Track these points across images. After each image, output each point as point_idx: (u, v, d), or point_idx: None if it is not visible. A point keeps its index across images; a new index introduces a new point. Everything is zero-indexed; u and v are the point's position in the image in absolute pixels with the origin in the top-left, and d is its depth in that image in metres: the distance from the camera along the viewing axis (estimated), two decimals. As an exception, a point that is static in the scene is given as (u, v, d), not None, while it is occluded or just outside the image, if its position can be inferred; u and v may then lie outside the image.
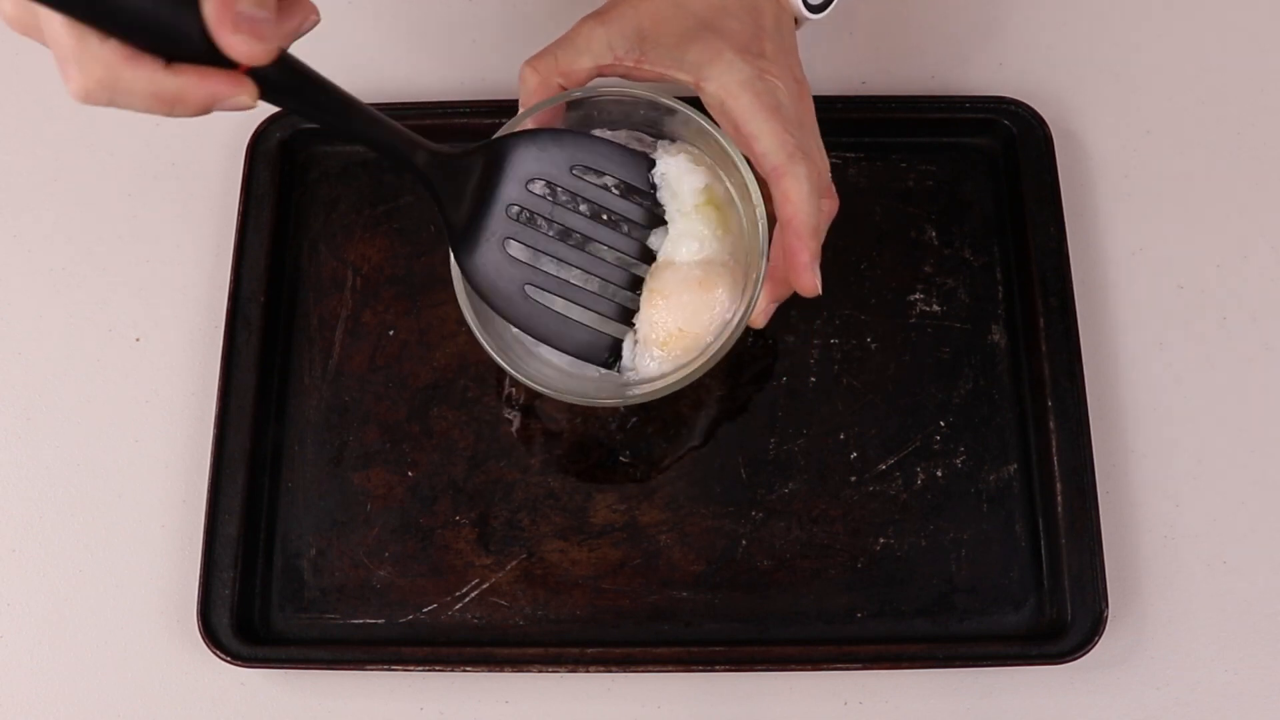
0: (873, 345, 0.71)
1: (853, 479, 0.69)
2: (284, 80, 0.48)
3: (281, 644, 0.67)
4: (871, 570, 0.68)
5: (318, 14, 0.48)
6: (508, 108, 0.75)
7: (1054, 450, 0.68)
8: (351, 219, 0.75)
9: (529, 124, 0.59)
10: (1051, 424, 0.68)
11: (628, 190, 0.61)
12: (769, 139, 0.56)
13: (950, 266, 0.73)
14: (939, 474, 0.69)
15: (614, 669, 0.66)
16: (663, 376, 0.60)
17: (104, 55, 0.44)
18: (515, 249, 0.59)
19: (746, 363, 0.71)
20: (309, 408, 0.71)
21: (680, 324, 0.61)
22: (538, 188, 0.60)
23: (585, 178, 0.60)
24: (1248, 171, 0.76)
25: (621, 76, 0.59)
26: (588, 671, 0.66)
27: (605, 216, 0.61)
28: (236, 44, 0.44)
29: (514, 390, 0.71)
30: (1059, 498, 0.67)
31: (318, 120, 0.53)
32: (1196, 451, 0.70)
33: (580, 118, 0.62)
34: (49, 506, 0.71)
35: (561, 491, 0.69)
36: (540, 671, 0.66)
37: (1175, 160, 0.76)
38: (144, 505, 0.70)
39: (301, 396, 0.72)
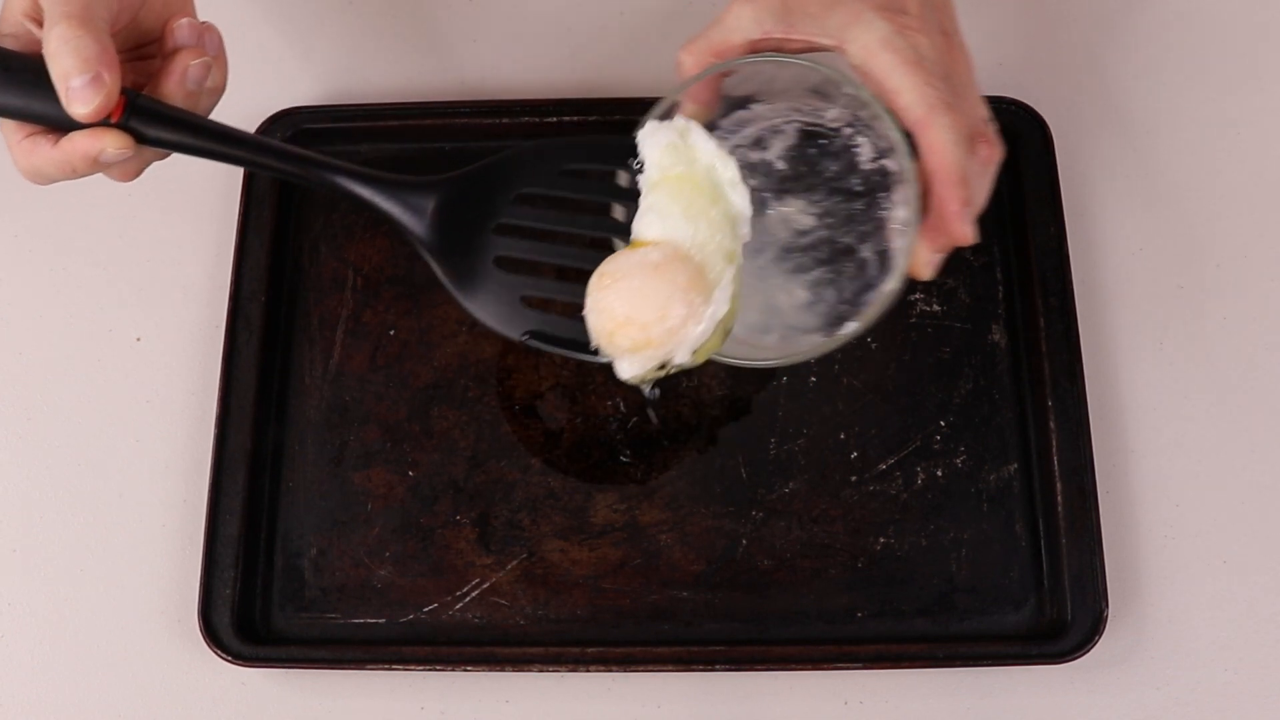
0: (873, 345, 0.71)
1: (853, 479, 0.69)
2: (148, 129, 0.57)
3: (282, 643, 0.67)
4: (872, 570, 0.68)
5: (201, 57, 0.59)
6: (508, 108, 0.76)
7: (1054, 450, 0.68)
8: (352, 219, 0.75)
9: (686, 104, 0.59)
10: (1051, 424, 0.68)
11: (611, 177, 0.59)
12: (910, 93, 0.56)
13: (950, 266, 0.73)
14: (939, 474, 0.69)
15: (614, 669, 0.66)
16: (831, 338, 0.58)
17: (22, 146, 0.57)
18: (507, 265, 0.59)
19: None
20: (309, 407, 0.71)
21: (628, 311, 0.54)
22: (523, 201, 0.59)
23: (570, 178, 0.60)
24: (1248, 171, 0.76)
25: (772, 50, 0.59)
26: (588, 671, 0.66)
27: (592, 209, 0.60)
28: (76, 110, 0.54)
29: (515, 389, 0.71)
30: (1059, 498, 0.67)
31: (215, 157, 0.59)
32: (1196, 451, 0.70)
33: (738, 98, 0.61)
34: (49, 506, 0.71)
35: (562, 491, 0.69)
36: (541, 671, 0.66)
37: (1175, 160, 0.76)
38: (145, 505, 0.70)
39: (302, 396, 0.72)
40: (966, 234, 0.56)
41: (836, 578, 0.68)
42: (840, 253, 0.62)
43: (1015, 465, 0.69)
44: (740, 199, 0.58)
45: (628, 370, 0.56)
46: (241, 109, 0.75)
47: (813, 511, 0.69)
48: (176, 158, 0.77)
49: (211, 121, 0.59)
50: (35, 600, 0.69)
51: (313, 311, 0.73)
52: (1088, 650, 0.65)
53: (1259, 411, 0.71)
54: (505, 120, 0.76)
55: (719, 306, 0.54)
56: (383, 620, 0.68)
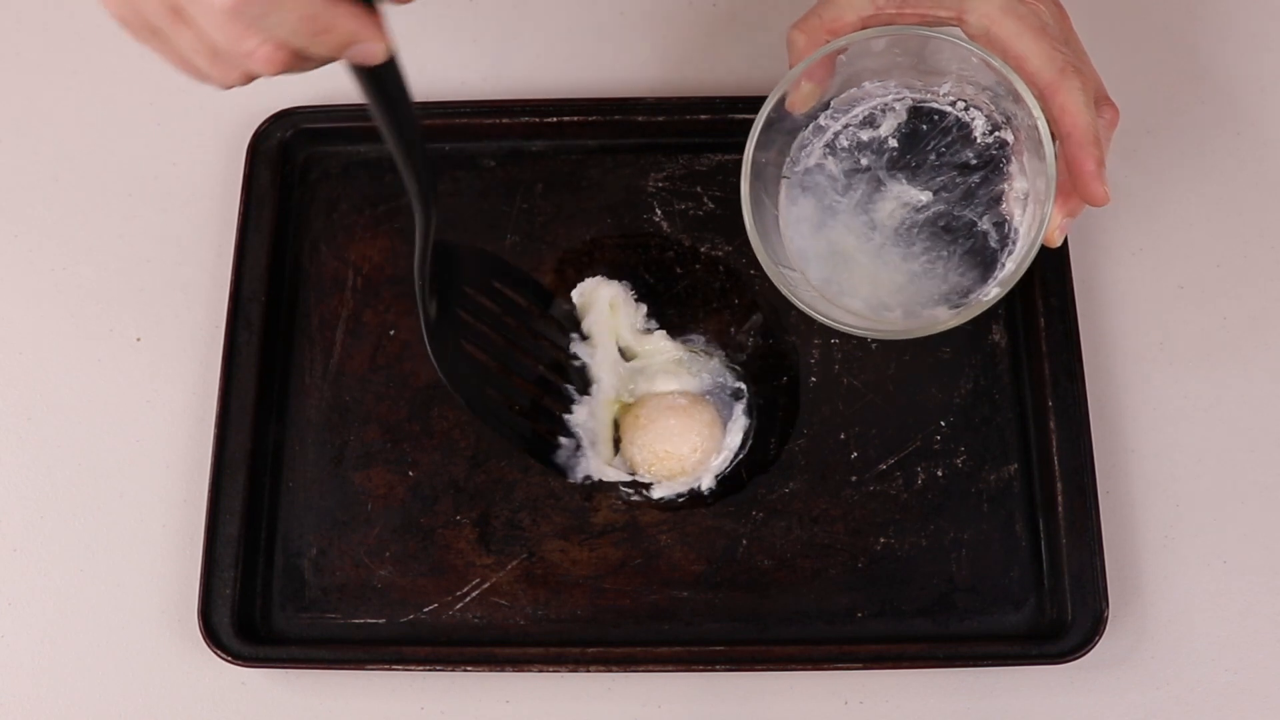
0: (873, 345, 0.71)
1: (853, 479, 0.69)
2: (393, 70, 0.53)
3: (282, 644, 0.67)
4: (872, 570, 0.68)
5: None
6: (508, 108, 0.76)
7: (1054, 450, 0.68)
8: (352, 219, 0.75)
9: (802, 82, 0.60)
10: (1051, 424, 0.68)
11: (541, 305, 0.70)
12: (1038, 57, 0.57)
13: (950, 266, 0.73)
14: (939, 474, 0.69)
15: (615, 669, 0.66)
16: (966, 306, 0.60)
17: None
18: (469, 349, 0.67)
19: (747, 362, 0.71)
20: (310, 407, 0.71)
21: (666, 447, 0.67)
22: (472, 293, 0.67)
23: (504, 290, 0.69)
24: (1247, 171, 0.76)
25: (885, 25, 0.60)
26: (588, 671, 0.66)
27: (526, 328, 0.69)
28: None
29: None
30: (1059, 498, 0.67)
31: (386, 127, 0.58)
32: (1196, 451, 0.70)
33: (849, 76, 0.62)
34: (49, 506, 0.71)
35: (562, 491, 0.69)
36: (541, 671, 0.66)
37: (1175, 160, 0.76)
38: (145, 505, 0.70)
39: (302, 396, 0.72)
40: (1102, 193, 0.57)
41: (836, 578, 0.68)
42: (957, 226, 0.62)
43: (1015, 465, 0.69)
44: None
45: (664, 490, 0.68)
46: (242, 109, 0.76)
47: (813, 511, 0.69)
48: (178, 157, 0.77)
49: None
50: (35, 600, 0.69)
51: (313, 311, 0.73)
52: (1088, 650, 0.65)
53: (1259, 412, 0.71)
54: (505, 120, 0.76)
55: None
56: (383, 620, 0.68)
